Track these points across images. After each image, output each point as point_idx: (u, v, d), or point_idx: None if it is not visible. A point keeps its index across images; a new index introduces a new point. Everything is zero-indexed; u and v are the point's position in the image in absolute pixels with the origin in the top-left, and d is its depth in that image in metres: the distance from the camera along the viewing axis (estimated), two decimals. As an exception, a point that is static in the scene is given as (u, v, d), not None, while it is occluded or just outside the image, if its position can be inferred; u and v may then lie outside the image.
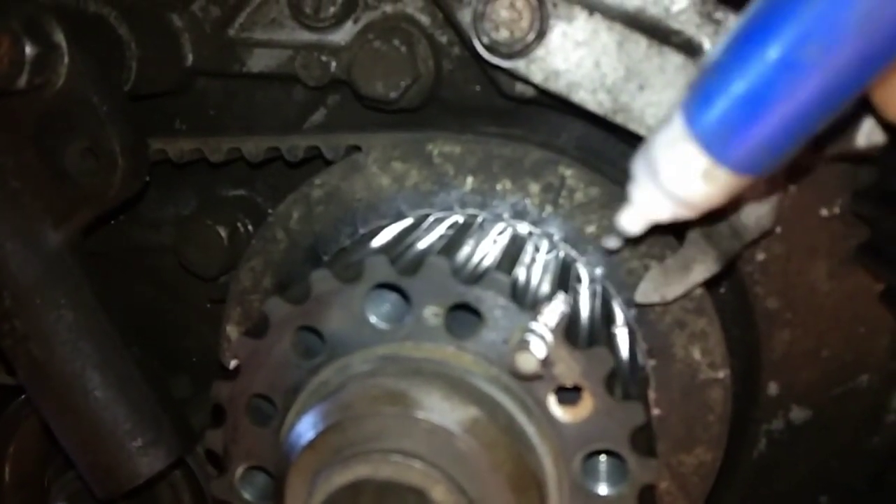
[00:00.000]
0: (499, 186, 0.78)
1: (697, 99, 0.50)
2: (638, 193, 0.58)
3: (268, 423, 0.69)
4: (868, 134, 0.62)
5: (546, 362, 0.60)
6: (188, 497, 0.95)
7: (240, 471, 0.71)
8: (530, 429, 0.61)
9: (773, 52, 0.46)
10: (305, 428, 0.62)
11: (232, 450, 0.71)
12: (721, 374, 0.76)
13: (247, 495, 0.71)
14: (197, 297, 0.97)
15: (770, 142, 0.49)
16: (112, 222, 0.92)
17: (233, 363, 0.69)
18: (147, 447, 0.81)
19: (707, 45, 0.70)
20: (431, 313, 0.63)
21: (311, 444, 0.61)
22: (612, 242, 0.70)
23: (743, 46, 0.48)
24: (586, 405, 0.61)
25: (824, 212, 0.75)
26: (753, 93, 0.48)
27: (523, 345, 0.59)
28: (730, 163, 0.50)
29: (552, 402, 0.62)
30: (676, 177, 0.53)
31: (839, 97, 0.47)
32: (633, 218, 0.59)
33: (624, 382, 0.66)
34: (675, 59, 0.69)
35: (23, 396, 0.97)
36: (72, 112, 0.75)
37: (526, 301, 0.63)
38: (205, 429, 0.75)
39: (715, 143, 0.50)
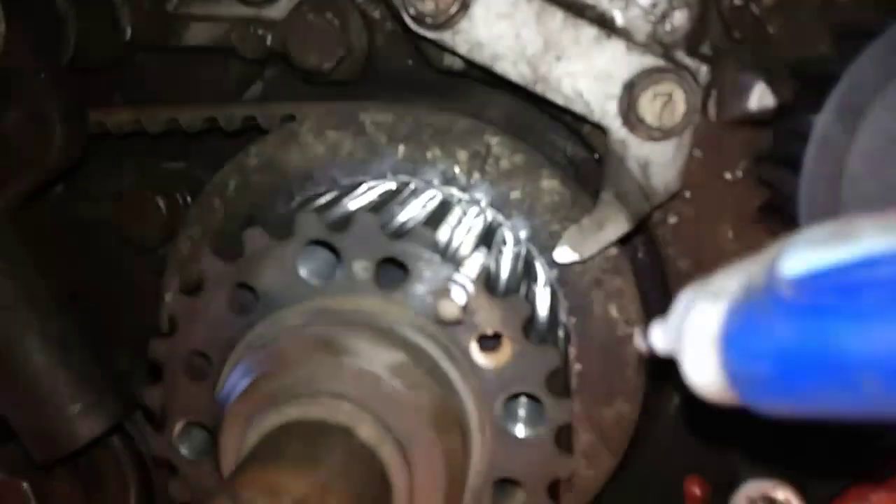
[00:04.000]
0: (429, 154, 0.82)
1: (741, 328, 0.42)
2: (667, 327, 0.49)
3: (204, 379, 0.71)
4: (759, 97, 0.68)
5: (467, 310, 0.64)
6: (128, 462, 0.96)
7: (178, 427, 0.73)
8: (453, 373, 0.65)
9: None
10: (239, 378, 0.65)
11: (170, 407, 0.73)
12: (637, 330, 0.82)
13: (185, 451, 0.73)
14: (137, 268, 0.99)
15: (787, 410, 0.42)
16: (52, 195, 0.93)
17: (170, 321, 0.71)
18: (86, 411, 0.83)
19: (619, 19, 0.75)
20: (361, 267, 0.66)
21: (245, 392, 0.63)
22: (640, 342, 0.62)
23: (819, 318, 0.39)
24: (506, 351, 0.66)
25: (728, 175, 0.81)
26: (808, 386, 0.40)
27: (445, 293, 0.63)
28: (740, 396, 0.44)
29: (474, 348, 0.66)
30: (690, 367, 0.46)
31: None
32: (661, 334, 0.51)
33: (541, 333, 0.71)
34: (589, 31, 0.74)
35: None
36: (10, 80, 0.76)
37: (449, 255, 0.67)
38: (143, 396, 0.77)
39: (738, 381, 0.43)
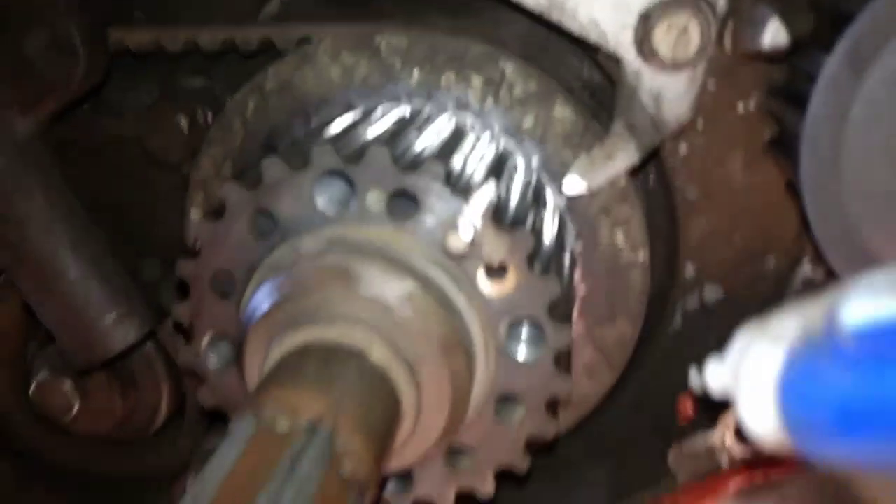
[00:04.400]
0: (443, 80, 0.83)
1: (801, 374, 0.42)
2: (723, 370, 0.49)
3: (229, 297, 0.76)
4: (773, 35, 0.68)
5: (474, 243, 0.67)
6: (160, 368, 1.04)
7: (205, 340, 0.78)
8: (461, 300, 0.69)
9: None
10: (261, 300, 0.69)
11: (197, 322, 0.78)
12: (641, 257, 0.85)
13: (212, 361, 0.79)
14: (162, 183, 1.02)
15: (845, 460, 0.42)
16: (77, 111, 0.96)
17: (196, 243, 0.75)
18: (120, 321, 0.89)
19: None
20: (374, 199, 0.69)
21: (267, 313, 0.68)
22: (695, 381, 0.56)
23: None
24: (510, 280, 0.69)
25: (741, 107, 0.81)
26: (866, 438, 0.40)
27: (454, 227, 0.66)
28: (797, 444, 0.43)
29: (481, 277, 0.70)
30: (747, 412, 0.45)
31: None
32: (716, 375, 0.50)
33: (545, 261, 0.74)
34: (606, -42, 0.73)
35: (1, 277, 1.02)
36: (31, 3, 0.77)
37: (459, 187, 0.70)
38: (173, 305, 0.82)
39: (796, 428, 0.42)
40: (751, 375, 0.44)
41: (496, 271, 0.70)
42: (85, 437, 1.08)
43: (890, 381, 0.38)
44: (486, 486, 0.78)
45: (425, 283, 0.68)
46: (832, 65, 0.60)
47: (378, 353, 0.64)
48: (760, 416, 0.44)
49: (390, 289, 0.66)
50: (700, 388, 0.53)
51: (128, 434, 1.09)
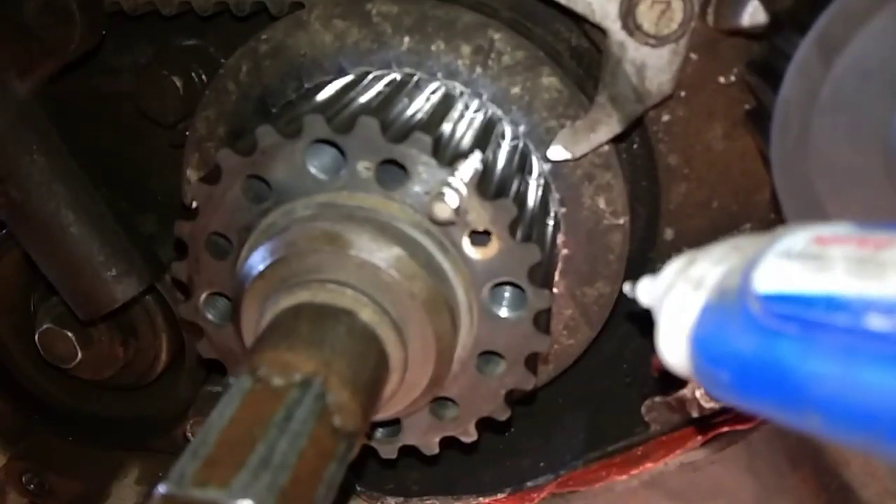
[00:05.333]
0: (433, 47, 0.85)
1: (710, 332, 0.44)
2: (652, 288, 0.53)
3: (225, 257, 0.79)
4: (752, 14, 0.70)
5: (459, 211, 0.70)
6: (160, 319, 1.08)
7: (203, 296, 0.82)
8: (446, 265, 0.73)
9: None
10: (256, 261, 0.73)
11: (195, 279, 0.82)
12: (621, 221, 0.88)
13: (210, 316, 0.83)
14: (158, 141, 1.04)
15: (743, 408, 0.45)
16: (74, 72, 0.97)
17: (193, 205, 0.79)
18: (121, 276, 0.92)
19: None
20: (363, 167, 0.72)
21: (262, 274, 0.72)
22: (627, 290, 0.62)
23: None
24: (493, 246, 0.73)
25: (722, 79, 0.84)
26: (761, 400, 0.42)
27: (440, 196, 0.69)
28: (701, 385, 0.48)
29: (466, 243, 0.73)
30: (663, 343, 0.49)
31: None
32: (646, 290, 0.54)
33: (528, 227, 0.78)
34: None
35: (4, 231, 1.05)
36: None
37: (446, 157, 0.73)
38: (171, 260, 0.86)
39: (700, 376, 0.46)
40: (670, 314, 0.48)
41: (480, 237, 0.73)
42: (88, 382, 1.13)
43: (784, 357, 0.40)
44: (469, 434, 0.84)
45: (412, 247, 0.71)
46: (804, 48, 0.62)
47: (367, 314, 0.68)
48: (674, 351, 0.47)
49: (379, 253, 0.70)
50: (630, 295, 0.59)
51: (130, 379, 1.14)
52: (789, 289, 0.41)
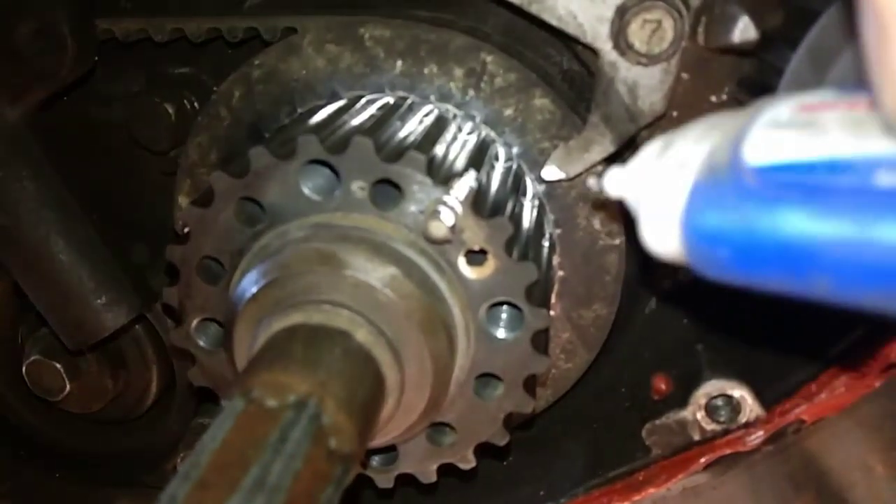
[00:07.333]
0: (426, 70, 0.85)
1: (704, 210, 0.42)
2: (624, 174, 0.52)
3: (217, 282, 0.78)
4: (742, 30, 0.71)
5: (455, 230, 0.70)
6: (150, 350, 1.06)
7: (195, 322, 0.81)
8: (442, 284, 0.72)
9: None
10: (249, 284, 0.72)
11: (187, 304, 0.81)
12: (617, 241, 0.88)
13: (201, 342, 0.82)
14: (150, 170, 1.04)
15: (742, 286, 0.43)
16: (65, 99, 0.97)
17: (184, 229, 0.78)
18: (110, 304, 0.91)
19: (615, -60, 0.76)
20: (358, 187, 0.72)
21: (255, 296, 0.71)
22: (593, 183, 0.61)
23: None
24: (490, 265, 0.72)
25: (714, 98, 0.84)
26: (764, 273, 0.40)
27: (435, 215, 0.69)
28: (697, 269, 0.45)
29: (461, 262, 0.72)
30: (650, 234, 0.47)
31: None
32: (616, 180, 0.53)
33: (524, 247, 0.77)
34: (584, -47, 0.76)
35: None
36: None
37: (441, 176, 0.72)
38: (162, 289, 0.84)
39: (696, 257, 0.44)
40: (654, 200, 0.45)
41: (476, 256, 0.72)
42: (76, 416, 1.10)
43: (788, 222, 0.39)
44: (468, 461, 0.82)
45: (408, 267, 0.70)
46: (796, 61, 0.63)
47: (362, 334, 0.67)
48: (663, 236, 0.46)
49: (374, 273, 0.69)
50: (597, 190, 0.56)
51: (119, 413, 1.11)
52: (786, 157, 0.40)
